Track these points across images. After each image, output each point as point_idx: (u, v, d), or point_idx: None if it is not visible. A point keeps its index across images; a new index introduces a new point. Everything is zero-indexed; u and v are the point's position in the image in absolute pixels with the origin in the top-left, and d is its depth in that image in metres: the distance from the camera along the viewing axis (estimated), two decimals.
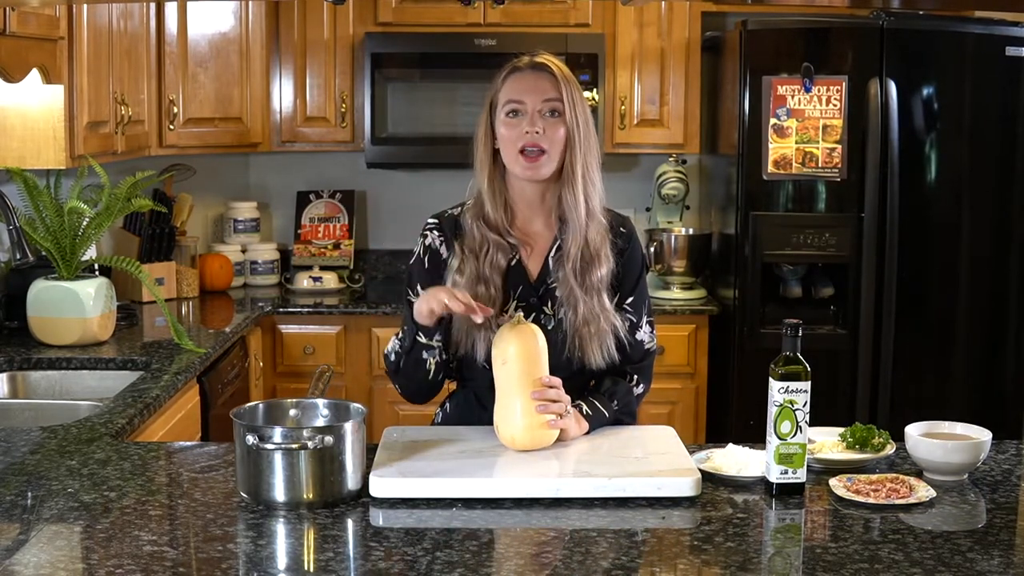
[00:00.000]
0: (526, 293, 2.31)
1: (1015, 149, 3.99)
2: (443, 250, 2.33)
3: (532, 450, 2.12)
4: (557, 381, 2.16)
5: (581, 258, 2.28)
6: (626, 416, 2.33)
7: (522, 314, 2.23)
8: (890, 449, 2.17)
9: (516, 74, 2.29)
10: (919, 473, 2.09)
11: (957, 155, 4.00)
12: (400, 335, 2.30)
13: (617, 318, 2.30)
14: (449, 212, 2.39)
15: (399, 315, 3.54)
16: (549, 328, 2.28)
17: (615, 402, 2.29)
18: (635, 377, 2.36)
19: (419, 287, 2.33)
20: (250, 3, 4.21)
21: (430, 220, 2.38)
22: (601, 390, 2.29)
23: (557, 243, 2.32)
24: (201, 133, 4.19)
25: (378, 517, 1.89)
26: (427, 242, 2.36)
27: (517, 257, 2.32)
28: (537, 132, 2.23)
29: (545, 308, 2.30)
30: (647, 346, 2.38)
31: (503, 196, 2.32)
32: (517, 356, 2.13)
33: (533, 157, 2.24)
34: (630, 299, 2.35)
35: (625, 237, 2.37)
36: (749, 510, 1.92)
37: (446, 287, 2.21)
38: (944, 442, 2.07)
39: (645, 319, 2.37)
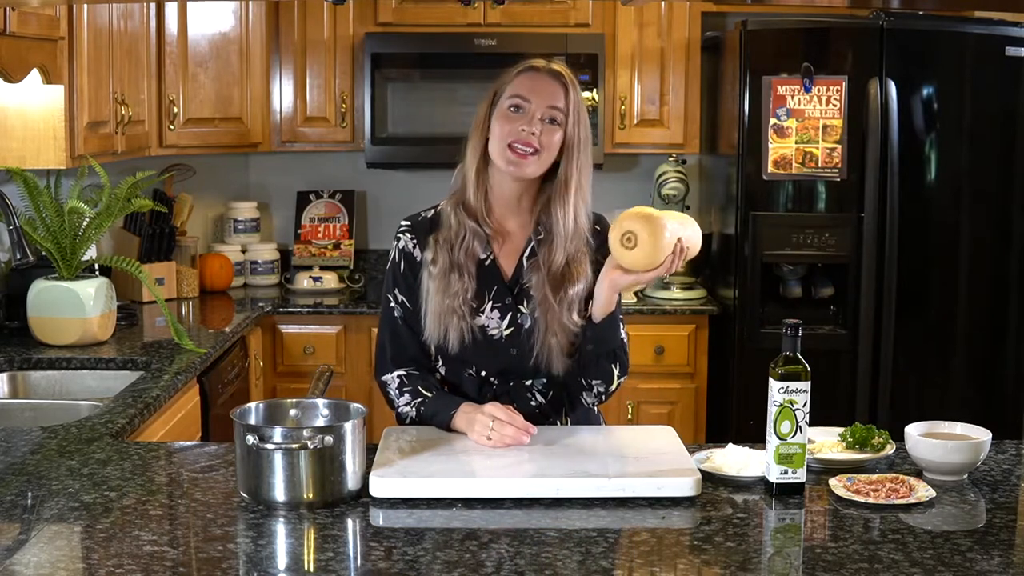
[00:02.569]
0: (501, 293, 2.31)
1: (1015, 149, 3.99)
2: (416, 252, 2.33)
3: (642, 268, 2.10)
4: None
5: (560, 272, 2.27)
6: (621, 353, 2.29)
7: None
8: (890, 449, 2.17)
9: (531, 72, 2.28)
10: (919, 473, 2.09)
11: (957, 155, 4.00)
12: (422, 411, 2.28)
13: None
14: (422, 215, 2.38)
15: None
16: (526, 327, 2.28)
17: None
18: None
19: (398, 291, 2.34)
20: (250, 3, 4.21)
21: (403, 223, 2.38)
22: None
23: (531, 244, 2.32)
24: (201, 133, 4.19)
25: (378, 517, 1.89)
26: (400, 245, 2.36)
27: (491, 256, 2.31)
28: (533, 133, 2.23)
29: (521, 307, 2.30)
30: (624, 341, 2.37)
31: (484, 187, 2.31)
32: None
33: (522, 155, 2.24)
34: None
35: (601, 236, 2.33)
36: (749, 510, 1.92)
37: (487, 416, 2.17)
38: (944, 442, 2.07)
39: (619, 317, 2.35)
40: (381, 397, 2.41)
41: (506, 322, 2.29)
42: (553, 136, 2.25)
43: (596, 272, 2.27)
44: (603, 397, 2.33)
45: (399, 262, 2.35)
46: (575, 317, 2.27)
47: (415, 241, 2.34)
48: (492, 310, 2.30)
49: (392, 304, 2.35)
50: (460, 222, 2.30)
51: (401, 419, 2.34)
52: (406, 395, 2.31)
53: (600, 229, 2.36)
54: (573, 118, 2.26)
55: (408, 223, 2.38)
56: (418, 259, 2.33)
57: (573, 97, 2.26)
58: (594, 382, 2.29)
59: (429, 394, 2.29)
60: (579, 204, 2.28)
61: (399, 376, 2.34)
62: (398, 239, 2.36)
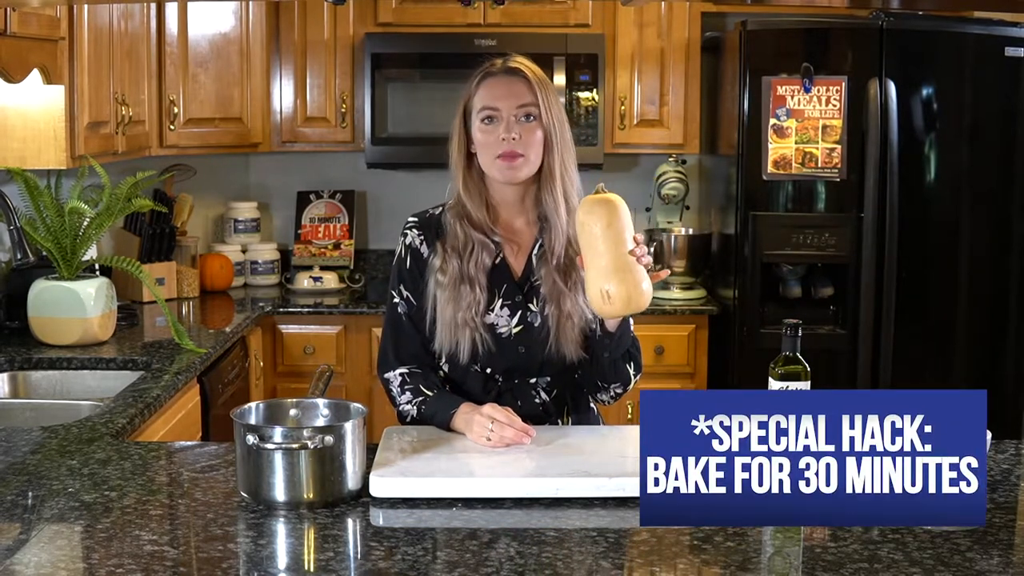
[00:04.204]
0: (511, 291, 2.31)
1: (1015, 149, 3.99)
2: (424, 249, 2.33)
3: (626, 314, 2.10)
4: (642, 237, 2.14)
5: (565, 255, 2.29)
6: (636, 351, 2.31)
7: (603, 185, 2.17)
8: None
9: (489, 79, 2.28)
10: None
11: (957, 155, 4.00)
12: (423, 410, 2.28)
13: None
14: (429, 212, 2.39)
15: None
16: (536, 325, 2.29)
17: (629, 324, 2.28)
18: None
19: (403, 287, 2.34)
20: (250, 3, 4.21)
21: (410, 219, 2.38)
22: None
23: (539, 241, 2.33)
24: (201, 133, 4.20)
25: (378, 517, 1.89)
26: (407, 241, 2.36)
27: (501, 256, 2.32)
28: (514, 138, 2.23)
29: (531, 305, 2.31)
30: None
31: (483, 196, 2.32)
32: (610, 222, 2.08)
33: (511, 159, 2.24)
34: None
35: None
36: None
37: (486, 417, 2.16)
38: None
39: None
40: (381, 397, 2.42)
41: (515, 320, 2.30)
42: (534, 134, 2.25)
43: None
44: (619, 395, 2.34)
45: (405, 258, 2.35)
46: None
47: (422, 237, 2.34)
48: (502, 308, 2.30)
49: (396, 300, 2.35)
50: (466, 233, 2.30)
51: (402, 417, 2.34)
52: (407, 393, 2.32)
53: None
54: (545, 107, 2.26)
55: (415, 219, 2.38)
56: (425, 255, 2.33)
57: (538, 88, 2.26)
58: (612, 384, 2.31)
59: (430, 393, 2.29)
60: (567, 186, 2.30)
61: (401, 374, 2.34)
62: (405, 235, 2.36)
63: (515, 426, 2.15)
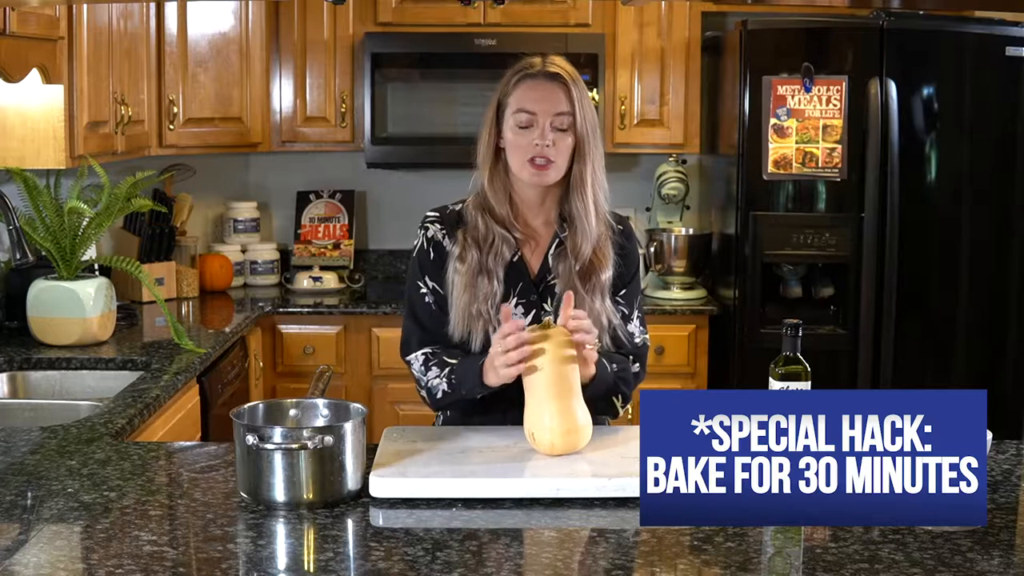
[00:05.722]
0: (526, 290, 2.32)
1: (1015, 149, 3.99)
2: (446, 242, 2.34)
3: (568, 454, 2.10)
4: (582, 313, 2.16)
5: (589, 261, 2.30)
6: (623, 385, 2.31)
7: (551, 318, 2.20)
8: None
9: (528, 82, 2.27)
10: None
11: (957, 155, 4.00)
12: (452, 380, 2.26)
13: (616, 315, 2.32)
14: (450, 208, 2.39)
15: (399, 314, 3.49)
16: None
17: (614, 365, 2.27)
18: (631, 357, 2.37)
19: (428, 278, 2.33)
20: (250, 3, 4.21)
21: (430, 213, 2.38)
22: (601, 354, 2.26)
23: (557, 240, 2.33)
24: (201, 133, 4.19)
25: (378, 517, 1.89)
26: (429, 234, 2.36)
27: (519, 254, 2.33)
28: (548, 145, 2.24)
29: (545, 305, 2.32)
30: (637, 339, 2.38)
31: (507, 192, 2.33)
32: (551, 360, 2.11)
33: (542, 166, 2.25)
34: (623, 291, 2.37)
35: (625, 235, 2.40)
36: None
37: (497, 351, 2.15)
38: None
39: (636, 313, 2.39)
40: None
41: (529, 319, 2.31)
42: (565, 141, 2.26)
43: (616, 265, 2.33)
44: (613, 416, 2.37)
45: (428, 250, 2.35)
46: (607, 303, 2.30)
47: (444, 232, 2.34)
48: (516, 306, 2.31)
49: (423, 291, 2.34)
50: (488, 226, 2.31)
51: (432, 395, 2.31)
52: (434, 368, 2.30)
53: (624, 228, 2.40)
54: (580, 114, 2.26)
55: (436, 214, 2.38)
56: (447, 248, 2.33)
57: (576, 94, 2.26)
58: (601, 416, 2.32)
59: (454, 361, 2.28)
60: (598, 192, 2.31)
61: (423, 354, 2.33)
62: (426, 228, 2.36)
63: (505, 328, 2.12)
